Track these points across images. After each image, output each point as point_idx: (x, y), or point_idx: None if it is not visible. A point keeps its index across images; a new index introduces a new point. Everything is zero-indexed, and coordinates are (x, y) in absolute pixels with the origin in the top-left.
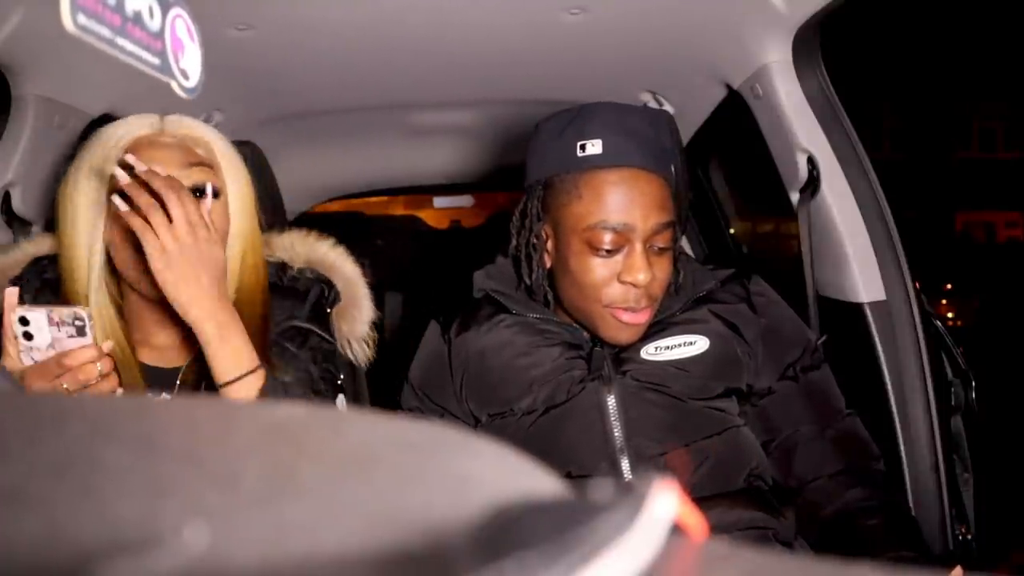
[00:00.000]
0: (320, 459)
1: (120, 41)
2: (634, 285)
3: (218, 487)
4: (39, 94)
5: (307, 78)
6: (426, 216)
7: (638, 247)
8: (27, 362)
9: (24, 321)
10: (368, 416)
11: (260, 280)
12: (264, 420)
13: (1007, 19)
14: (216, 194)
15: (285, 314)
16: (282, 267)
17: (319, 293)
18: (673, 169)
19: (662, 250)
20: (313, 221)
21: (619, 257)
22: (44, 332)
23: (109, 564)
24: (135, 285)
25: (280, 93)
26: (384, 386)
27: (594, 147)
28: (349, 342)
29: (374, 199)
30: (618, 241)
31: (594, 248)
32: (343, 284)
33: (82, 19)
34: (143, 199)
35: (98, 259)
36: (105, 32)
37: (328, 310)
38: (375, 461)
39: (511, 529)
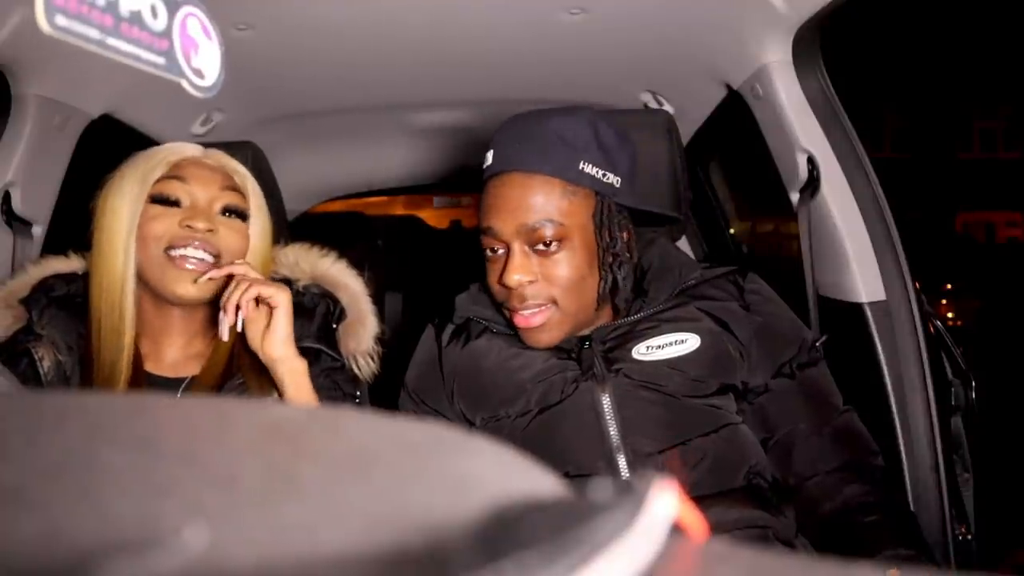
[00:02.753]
0: (319, 459)
1: (113, 42)
2: (505, 287)
3: (217, 487)
4: (39, 94)
5: (307, 78)
6: (426, 216)
7: (515, 248)
8: None
9: None
10: (367, 416)
11: None
12: (263, 420)
13: (1008, 20)
14: (245, 217)
15: (293, 335)
16: (286, 283)
17: (326, 310)
18: (585, 166)
19: (549, 250)
20: (313, 221)
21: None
22: None
23: (109, 564)
24: (159, 287)
25: (280, 93)
26: (383, 387)
27: (489, 157)
28: (355, 357)
29: (374, 199)
30: (498, 245)
31: (485, 252)
32: (348, 300)
33: (61, 20)
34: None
35: (132, 264)
36: (92, 33)
37: (335, 326)
38: (375, 461)
39: (511, 529)
